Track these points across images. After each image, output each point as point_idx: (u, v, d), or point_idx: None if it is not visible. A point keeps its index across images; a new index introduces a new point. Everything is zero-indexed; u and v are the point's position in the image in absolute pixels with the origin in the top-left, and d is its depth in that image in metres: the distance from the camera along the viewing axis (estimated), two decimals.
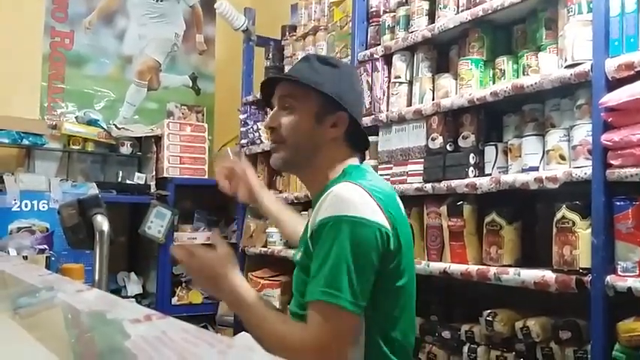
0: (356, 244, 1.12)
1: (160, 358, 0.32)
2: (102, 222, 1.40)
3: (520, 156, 1.84)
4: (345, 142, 1.33)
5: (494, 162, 1.93)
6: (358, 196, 1.17)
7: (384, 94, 2.36)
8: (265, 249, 3.00)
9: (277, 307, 1.93)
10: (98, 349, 0.41)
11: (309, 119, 1.29)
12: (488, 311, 1.82)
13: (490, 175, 1.92)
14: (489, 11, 1.94)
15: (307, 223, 1.30)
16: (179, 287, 3.48)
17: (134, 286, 3.41)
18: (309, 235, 1.21)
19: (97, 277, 1.39)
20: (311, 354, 1.12)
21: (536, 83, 1.75)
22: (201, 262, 1.22)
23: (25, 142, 3.10)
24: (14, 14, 3.41)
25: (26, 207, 2.86)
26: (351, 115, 1.30)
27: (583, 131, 1.65)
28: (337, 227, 1.12)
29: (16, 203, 2.83)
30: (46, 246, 2.60)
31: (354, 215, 1.13)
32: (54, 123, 3.35)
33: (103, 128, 3.40)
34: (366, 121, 2.26)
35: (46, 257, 2.52)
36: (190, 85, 4.06)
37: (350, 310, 1.11)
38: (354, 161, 1.35)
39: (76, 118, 3.48)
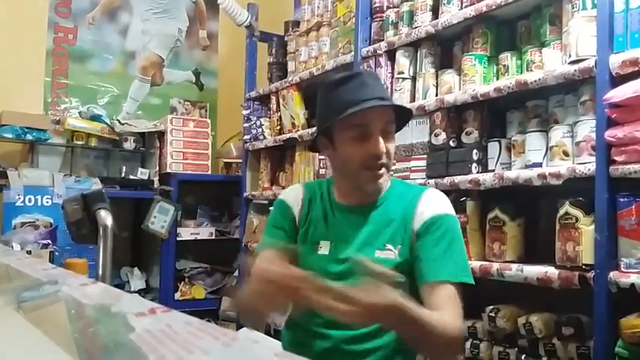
0: (461, 237, 1.37)
1: (164, 351, 0.32)
2: (105, 217, 1.40)
3: (523, 152, 1.84)
4: None
5: (498, 158, 1.93)
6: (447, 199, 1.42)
7: (387, 90, 2.36)
8: None
9: None
10: (103, 342, 0.42)
11: None
12: (491, 307, 1.82)
13: (493, 171, 1.92)
14: (493, 7, 1.93)
15: (372, 225, 1.38)
16: (182, 282, 3.49)
17: (137, 281, 3.42)
18: (416, 229, 1.33)
19: (100, 272, 1.39)
20: (460, 331, 1.24)
21: (540, 79, 1.75)
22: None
23: (29, 137, 3.11)
24: (18, 10, 3.41)
25: (30, 202, 2.87)
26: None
27: (587, 127, 1.65)
28: (455, 221, 1.35)
29: (19, 198, 2.84)
30: (49, 241, 2.61)
31: (455, 215, 1.39)
32: (57, 118, 3.35)
33: (107, 124, 3.40)
34: None
35: (50, 252, 2.53)
36: (193, 80, 4.06)
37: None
38: None
39: (79, 113, 3.48)
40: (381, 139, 1.32)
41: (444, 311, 1.20)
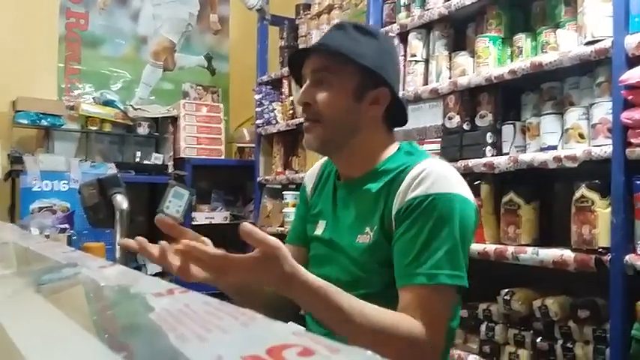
0: (464, 222, 1.06)
1: (184, 330, 0.32)
2: (121, 201, 1.42)
3: (538, 135, 1.83)
4: (384, 118, 1.21)
5: (512, 141, 1.91)
6: (454, 173, 1.12)
7: (399, 73, 2.34)
8: (282, 228, 3.01)
9: None
10: (124, 322, 0.42)
11: (347, 95, 1.15)
12: (506, 290, 1.82)
13: (508, 154, 1.90)
14: None
15: (360, 205, 1.18)
16: None
17: (154, 265, 3.45)
18: (394, 211, 1.09)
19: (117, 255, 1.41)
20: (425, 343, 0.99)
21: (555, 61, 1.73)
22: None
23: (44, 122, 3.14)
24: None
25: (47, 187, 2.90)
26: (392, 91, 1.18)
27: (603, 109, 1.63)
28: (448, 205, 1.05)
29: (36, 183, 2.87)
30: (67, 225, 2.64)
31: (460, 194, 1.08)
32: (71, 104, 3.37)
33: (120, 109, 3.42)
34: None
35: (67, 236, 2.56)
36: (205, 65, 4.06)
37: (464, 287, 1.06)
38: (394, 139, 1.25)
39: (93, 99, 3.51)
40: (304, 87, 1.18)
41: (404, 315, 1.00)
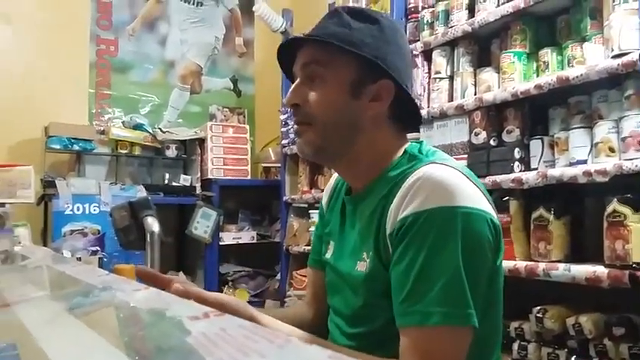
0: (470, 241, 0.87)
1: (221, 354, 0.33)
2: (152, 223, 1.44)
3: (567, 149, 1.81)
4: (390, 118, 1.04)
5: (541, 156, 1.89)
6: (458, 179, 0.91)
7: (424, 90, 2.34)
8: (309, 247, 3.01)
9: None
10: (160, 345, 0.43)
11: (342, 91, 0.99)
12: (538, 307, 1.79)
13: (536, 169, 1.88)
14: (531, 3, 1.90)
15: (360, 224, 1.04)
16: (225, 286, 3.54)
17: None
18: (388, 232, 0.92)
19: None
20: None
21: (582, 75, 1.71)
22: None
23: (76, 147, 3.21)
24: (62, 25, 3.53)
25: (78, 210, 2.96)
26: (397, 83, 1.00)
27: (633, 122, 1.61)
28: (445, 222, 0.86)
29: (68, 207, 2.94)
30: (98, 247, 2.68)
31: (463, 205, 0.87)
32: (102, 128, 3.46)
33: (149, 132, 3.49)
34: None
35: (99, 258, 2.60)
36: (231, 87, 4.12)
37: (473, 326, 0.85)
38: (407, 141, 1.07)
39: (122, 123, 3.58)
40: (293, 86, 1.04)
41: None
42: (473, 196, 0.91)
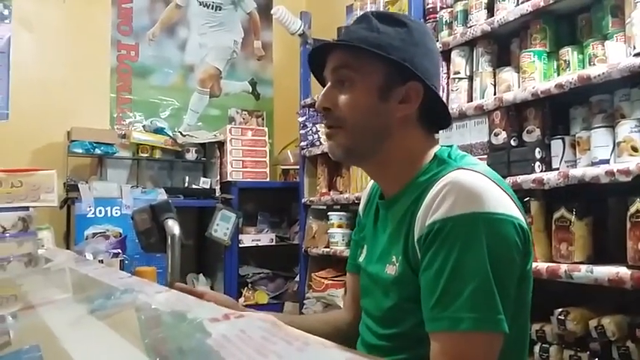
0: (498, 247, 0.88)
1: (241, 355, 0.33)
2: (173, 226, 1.45)
3: (589, 149, 1.78)
4: (419, 119, 1.06)
5: (562, 156, 1.87)
6: (486, 184, 0.92)
7: (443, 91, 2.33)
8: (327, 249, 3.02)
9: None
10: (182, 346, 0.44)
11: (372, 95, 1.02)
12: (560, 310, 1.76)
13: (558, 169, 1.86)
14: (551, 1, 1.88)
15: (391, 228, 1.06)
16: (245, 288, 3.56)
17: (202, 287, 3.51)
18: (416, 237, 0.94)
19: (169, 279, 1.44)
20: None
21: (603, 73, 1.69)
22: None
23: (98, 151, 3.26)
24: (83, 31, 3.59)
25: (100, 213, 3.00)
26: (426, 85, 1.03)
27: None
28: (471, 229, 0.87)
29: (90, 210, 2.98)
30: (119, 250, 2.71)
31: (490, 211, 0.88)
32: (123, 132, 3.50)
33: (169, 136, 3.52)
34: None
35: (120, 261, 2.63)
36: (250, 90, 4.15)
37: (502, 331, 0.86)
38: (436, 143, 1.09)
39: (143, 127, 3.63)
40: (324, 90, 1.06)
41: None
42: (500, 200, 0.92)
